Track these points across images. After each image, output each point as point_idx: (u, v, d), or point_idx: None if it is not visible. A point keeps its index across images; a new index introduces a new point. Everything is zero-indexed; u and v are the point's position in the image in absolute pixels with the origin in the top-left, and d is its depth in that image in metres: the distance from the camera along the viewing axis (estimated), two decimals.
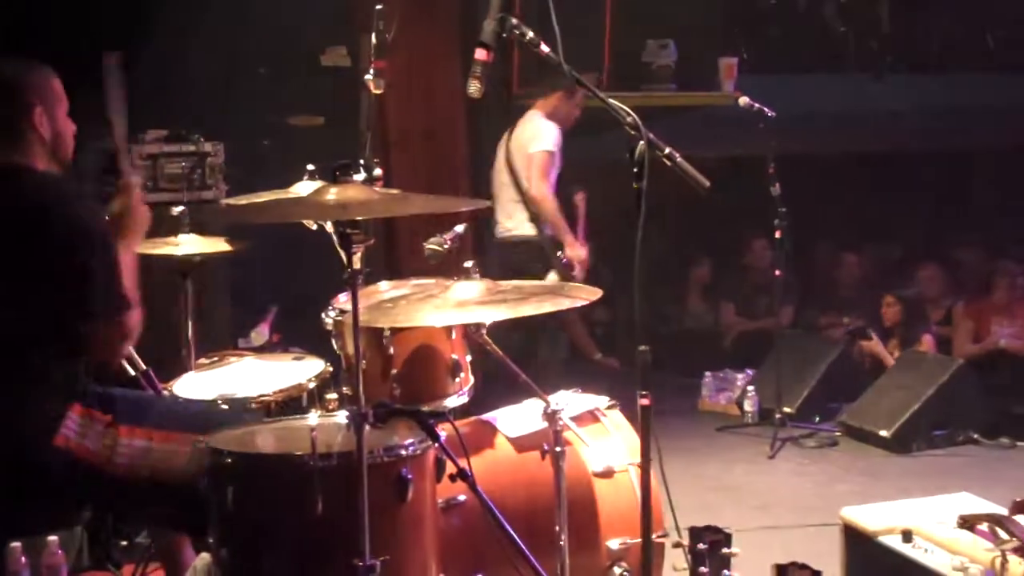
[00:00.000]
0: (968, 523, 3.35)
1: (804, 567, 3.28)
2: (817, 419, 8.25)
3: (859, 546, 3.93)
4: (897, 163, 11.44)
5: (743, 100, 7.87)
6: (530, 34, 3.80)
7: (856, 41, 10.84)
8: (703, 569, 3.47)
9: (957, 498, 3.95)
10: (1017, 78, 10.80)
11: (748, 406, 8.34)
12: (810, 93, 10.47)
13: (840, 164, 11.32)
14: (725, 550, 3.45)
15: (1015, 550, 3.16)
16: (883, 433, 7.65)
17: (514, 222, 7.43)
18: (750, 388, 8.40)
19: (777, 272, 7.96)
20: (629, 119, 3.61)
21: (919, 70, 11.06)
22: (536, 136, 7.36)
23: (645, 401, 3.67)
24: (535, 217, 7.35)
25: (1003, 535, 3.22)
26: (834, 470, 7.30)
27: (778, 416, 7.83)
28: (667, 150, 3.74)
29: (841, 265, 10.33)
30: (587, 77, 4.20)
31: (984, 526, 3.34)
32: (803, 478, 7.17)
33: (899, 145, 11.39)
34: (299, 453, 3.32)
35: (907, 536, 3.56)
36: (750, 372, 8.73)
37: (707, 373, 8.94)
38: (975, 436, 7.75)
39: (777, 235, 7.77)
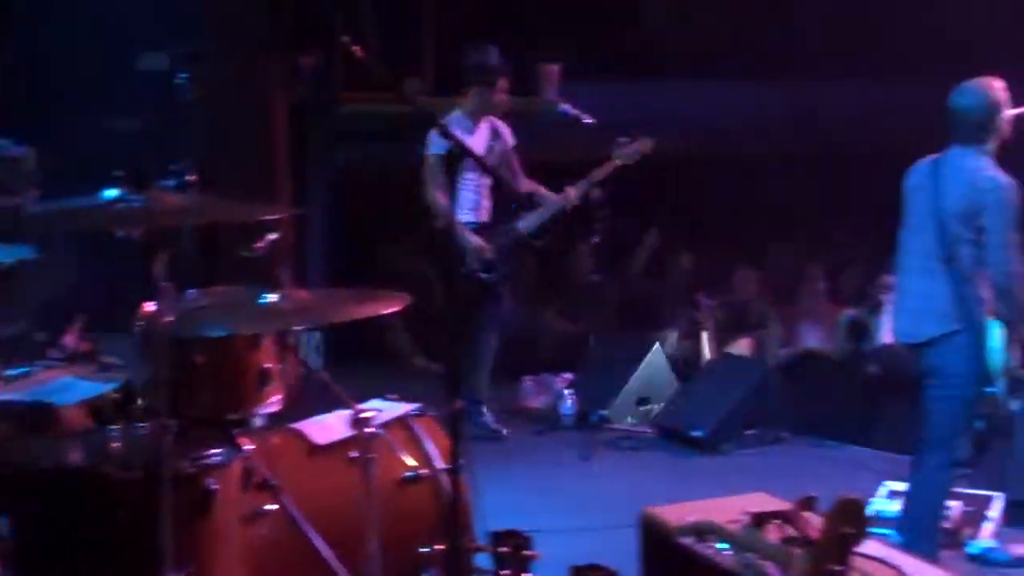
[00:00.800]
0: (759, 521, 3.48)
1: (600, 568, 3.36)
2: (633, 420, 8.40)
3: (656, 546, 4.04)
4: (718, 166, 11.68)
5: (564, 106, 7.99)
6: (354, 39, 3.81)
7: (681, 47, 11.06)
8: (504, 572, 3.54)
9: (753, 497, 4.08)
10: (836, 83, 11.13)
11: (565, 409, 8.44)
12: (633, 98, 10.66)
13: (662, 168, 11.50)
14: (526, 552, 3.51)
15: (801, 546, 3.29)
16: (696, 434, 7.84)
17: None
18: (568, 391, 8.51)
19: (595, 276, 8.10)
20: (439, 123, 3.67)
21: (744, 75, 11.32)
22: (428, 141, 7.48)
23: (456, 406, 3.74)
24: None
25: (791, 532, 3.36)
26: (647, 471, 7.46)
27: (594, 418, 7.96)
28: (479, 154, 3.81)
29: (662, 268, 10.50)
30: (411, 81, 4.23)
31: (774, 524, 3.48)
32: (618, 479, 7.29)
33: (720, 148, 11.63)
34: (102, 465, 3.29)
35: (701, 535, 3.67)
36: (568, 375, 8.84)
37: (526, 377, 9.02)
38: (784, 435, 8.00)
39: (596, 239, 7.91)
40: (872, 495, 6.45)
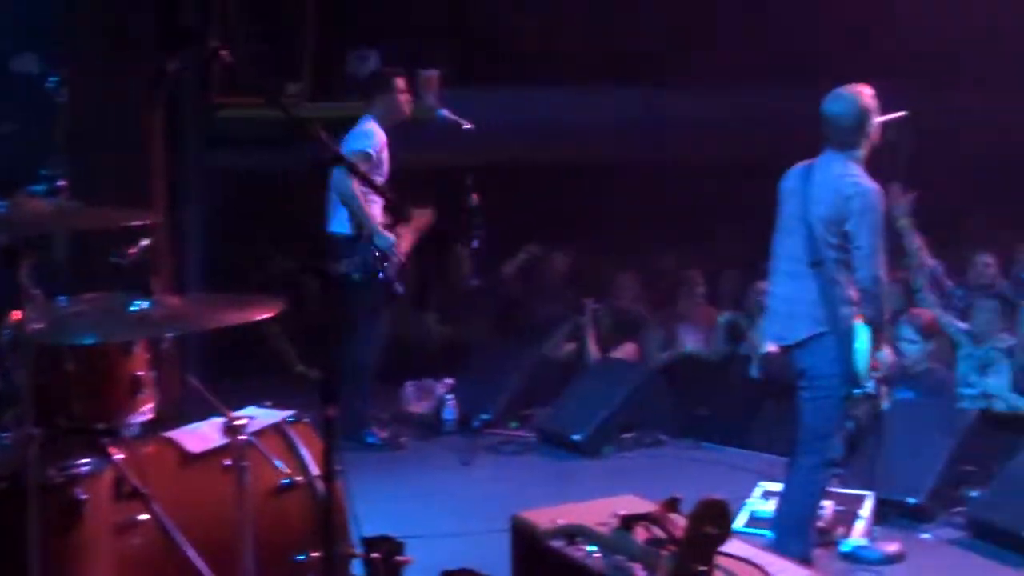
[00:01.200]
0: (628, 523, 3.53)
1: (471, 572, 3.38)
2: (514, 425, 8.44)
3: (527, 549, 4.06)
4: (598, 173, 11.76)
5: (443, 112, 8.01)
6: (224, 45, 3.78)
7: (558, 54, 11.12)
8: None
9: (623, 499, 4.13)
10: (719, 90, 11.28)
11: (447, 414, 8.46)
12: (511, 105, 10.70)
13: (541, 174, 11.58)
14: (398, 558, 3.53)
15: (667, 547, 3.35)
16: (576, 437, 7.89)
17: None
18: (449, 396, 8.52)
19: (474, 281, 8.13)
20: (317, 131, 3.65)
21: (619, 83, 11.43)
22: (354, 139, 7.55)
23: (330, 412, 3.73)
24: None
25: (659, 533, 3.41)
26: (528, 475, 7.50)
27: (476, 423, 8.00)
28: (355, 162, 3.82)
29: (542, 273, 10.54)
30: (291, 87, 4.22)
31: (642, 525, 3.52)
32: (498, 484, 7.33)
33: (600, 155, 11.71)
34: None
35: (571, 538, 3.71)
36: (450, 380, 8.85)
37: (408, 382, 9.01)
38: (663, 438, 8.11)
39: (475, 245, 7.94)
40: (748, 496, 6.58)
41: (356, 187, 7.37)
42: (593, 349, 9.13)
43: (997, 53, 10.10)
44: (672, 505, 3.37)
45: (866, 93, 5.64)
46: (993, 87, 10.56)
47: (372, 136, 7.59)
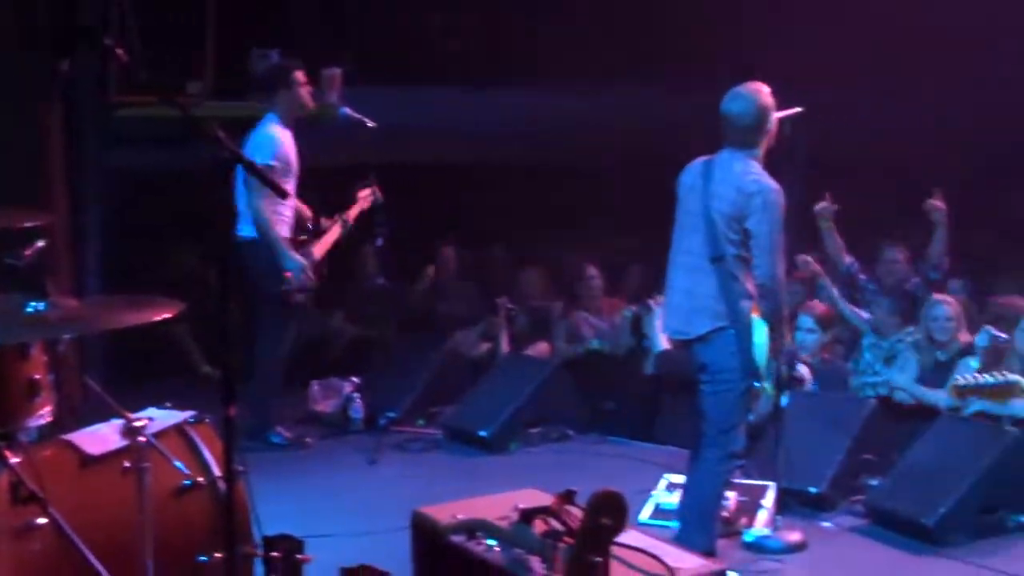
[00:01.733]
0: (527, 517, 3.56)
1: (371, 569, 3.39)
2: (422, 423, 8.44)
3: (427, 545, 4.07)
4: (499, 172, 11.81)
5: (346, 111, 7.98)
6: (119, 44, 3.75)
7: (459, 55, 11.17)
8: None
9: (523, 493, 4.15)
10: (624, 89, 11.38)
11: (354, 412, 8.43)
12: (416, 104, 10.72)
13: (442, 173, 11.60)
14: (298, 556, 3.53)
15: (564, 539, 3.38)
16: (482, 433, 7.92)
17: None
18: (356, 395, 8.49)
19: (380, 279, 8.12)
20: (214, 129, 3.64)
21: (517, 84, 11.48)
22: (256, 149, 7.42)
23: (230, 412, 3.72)
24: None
25: (556, 526, 3.44)
26: (435, 472, 7.50)
27: (383, 422, 7.99)
28: (249, 159, 3.81)
29: (446, 270, 10.56)
30: (192, 85, 4.19)
31: (541, 518, 3.55)
32: (406, 482, 7.30)
33: (502, 154, 11.76)
34: None
35: (471, 533, 3.73)
36: (356, 379, 8.83)
37: (314, 381, 8.97)
38: (569, 432, 8.16)
39: (380, 243, 7.93)
40: (653, 488, 6.65)
41: (266, 206, 7.36)
42: (505, 348, 9.15)
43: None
44: (568, 497, 3.40)
45: (764, 91, 5.70)
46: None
47: (274, 142, 7.51)
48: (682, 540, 5.36)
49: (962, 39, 10.01)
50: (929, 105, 10.49)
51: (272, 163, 7.38)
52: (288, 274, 7.55)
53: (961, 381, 5.75)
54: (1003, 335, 7.38)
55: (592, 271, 9.52)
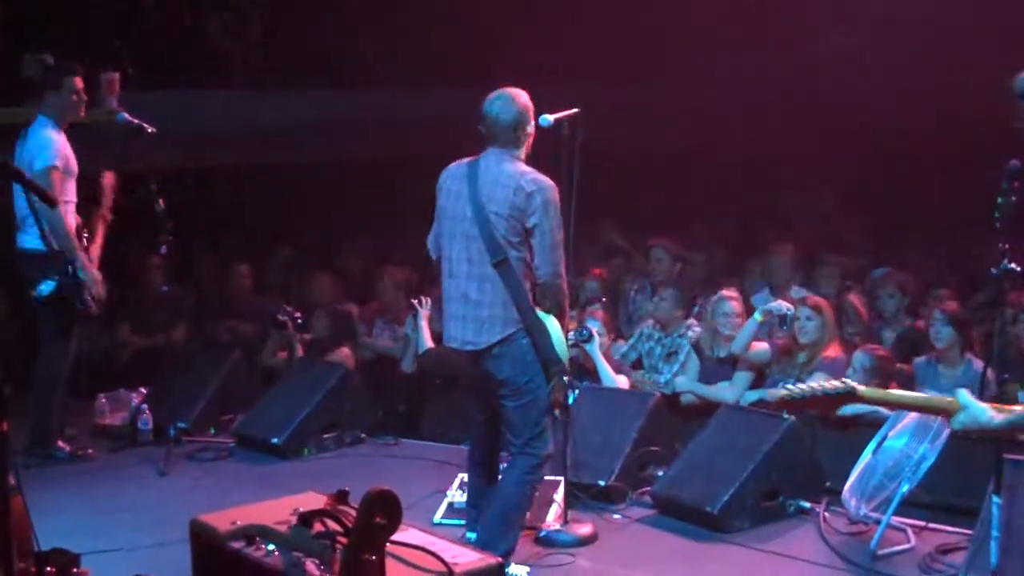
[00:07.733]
0: (305, 519, 3.54)
1: None
2: (212, 431, 8.34)
3: (206, 553, 4.02)
4: (288, 174, 11.75)
5: (123, 116, 7.81)
6: None
7: (240, 57, 11.06)
8: None
9: (304, 497, 4.13)
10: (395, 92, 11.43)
11: (142, 424, 8.25)
12: (197, 108, 10.57)
13: (228, 177, 11.48)
14: (75, 571, 3.45)
15: (340, 539, 3.38)
16: (274, 440, 7.86)
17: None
18: (144, 406, 8.32)
19: (164, 288, 7.99)
20: None
21: (300, 85, 11.45)
22: (38, 152, 7.24)
23: (3, 426, 3.62)
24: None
25: (335, 527, 3.43)
26: (228, 481, 7.41)
27: (172, 432, 7.85)
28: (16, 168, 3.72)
29: (232, 276, 10.40)
30: None
31: (320, 520, 3.54)
32: (197, 492, 7.20)
33: (288, 157, 11.70)
34: None
35: (250, 538, 3.70)
36: (144, 390, 8.65)
37: (101, 394, 8.75)
38: (362, 436, 8.16)
39: (163, 250, 7.79)
40: (448, 488, 6.68)
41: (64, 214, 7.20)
42: (299, 355, 9.07)
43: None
44: (341, 498, 3.40)
45: (524, 94, 5.73)
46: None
47: (53, 143, 7.35)
48: (488, 546, 5.25)
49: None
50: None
51: (57, 163, 7.25)
52: (79, 282, 7.36)
53: (785, 393, 5.64)
54: (785, 305, 7.68)
55: (381, 274, 9.53)
